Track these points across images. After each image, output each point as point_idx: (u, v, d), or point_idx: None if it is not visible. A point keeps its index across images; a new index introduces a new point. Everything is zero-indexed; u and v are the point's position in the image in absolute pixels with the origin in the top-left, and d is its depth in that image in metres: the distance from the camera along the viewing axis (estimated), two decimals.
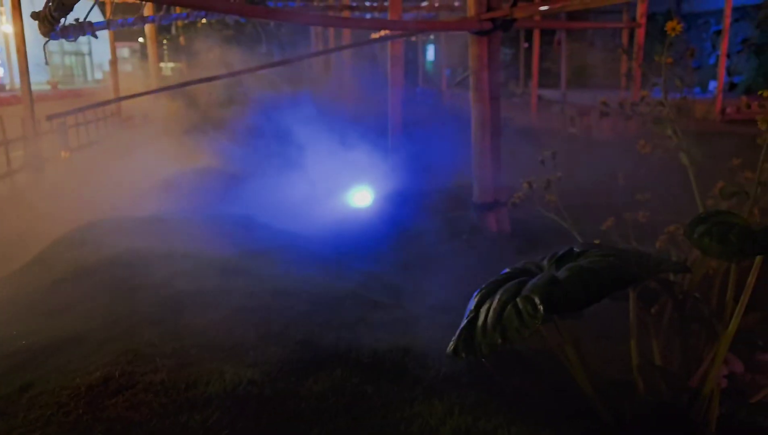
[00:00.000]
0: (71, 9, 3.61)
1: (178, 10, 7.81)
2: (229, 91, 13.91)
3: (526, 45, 20.23)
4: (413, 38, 24.99)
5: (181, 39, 17.27)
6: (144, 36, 15.30)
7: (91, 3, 4.50)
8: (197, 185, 6.08)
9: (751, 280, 2.00)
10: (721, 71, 12.12)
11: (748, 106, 2.60)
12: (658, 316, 2.35)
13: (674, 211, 2.68)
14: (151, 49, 13.07)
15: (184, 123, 10.58)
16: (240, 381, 2.06)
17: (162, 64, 18.05)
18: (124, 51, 22.85)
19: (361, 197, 5.63)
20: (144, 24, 7.70)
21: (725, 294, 2.17)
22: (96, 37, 4.94)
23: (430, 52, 27.60)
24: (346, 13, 12.24)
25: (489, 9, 4.66)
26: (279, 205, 5.19)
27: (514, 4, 4.58)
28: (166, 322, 2.58)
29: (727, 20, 11.68)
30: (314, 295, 2.91)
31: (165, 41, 18.09)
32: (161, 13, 7.50)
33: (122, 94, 10.83)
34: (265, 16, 5.61)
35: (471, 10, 4.73)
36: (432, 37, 24.06)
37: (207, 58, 16.53)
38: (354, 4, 15.90)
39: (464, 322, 1.84)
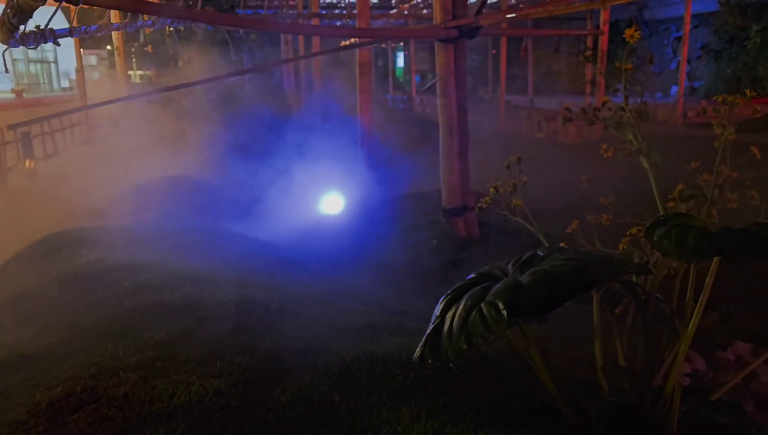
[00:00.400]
0: (30, 16, 3.53)
1: (144, 17, 7.72)
2: (199, 99, 13.78)
3: (494, 52, 20.47)
4: (383, 45, 25.12)
5: (149, 47, 17.07)
6: (112, 44, 15.09)
7: (54, 8, 4.41)
8: (165, 194, 6.00)
9: (709, 280, 2.05)
10: (682, 76, 12.44)
11: (704, 112, 2.67)
12: (622, 317, 2.40)
13: (638, 212, 2.73)
14: (118, 57, 12.89)
15: (153, 131, 10.45)
16: (206, 392, 2.03)
17: (131, 72, 17.81)
18: (91, 58, 22.47)
19: (331, 204, 5.63)
20: (109, 31, 7.58)
21: (686, 294, 2.22)
22: (58, 44, 4.83)
23: (400, 59, 27.74)
24: (315, 21, 12.23)
25: (455, 17, 4.72)
26: (248, 214, 5.15)
27: (479, 12, 4.64)
28: (131, 334, 2.54)
29: (687, 27, 12.00)
30: (282, 302, 2.90)
31: (133, 49, 17.84)
32: (126, 20, 7.39)
33: (90, 102, 10.65)
34: (234, 24, 5.57)
35: (437, 18, 4.77)
36: (401, 43, 24.20)
37: (176, 66, 16.36)
38: (323, 12, 15.92)
39: (430, 327, 1.85)
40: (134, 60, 17.99)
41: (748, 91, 2.14)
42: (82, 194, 6.29)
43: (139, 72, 19.26)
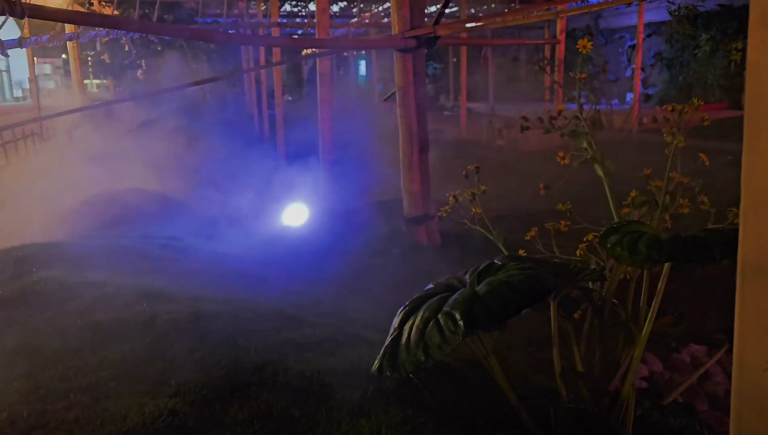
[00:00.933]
0: None
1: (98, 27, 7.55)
2: (157, 108, 13.54)
3: (454, 60, 20.69)
4: (345, 53, 25.14)
5: (106, 56, 16.73)
6: (67, 52, 14.74)
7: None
8: (121, 207, 5.86)
9: (661, 285, 2.10)
10: (637, 84, 12.77)
11: (655, 120, 2.73)
12: (580, 322, 2.43)
13: (595, 218, 2.77)
14: (74, 66, 12.58)
15: (110, 141, 10.21)
16: (161, 413, 1.97)
17: (87, 81, 17.42)
18: (46, 67, 21.95)
19: (292, 215, 5.58)
20: (61, 42, 7.40)
21: (640, 299, 2.27)
22: (7, 55, 4.70)
23: (362, 67, 27.82)
24: (275, 31, 12.16)
25: (413, 27, 4.74)
26: (207, 226, 5.06)
27: (437, 22, 4.68)
28: (83, 354, 2.46)
29: (641, 36, 12.35)
30: (240, 317, 2.85)
31: (89, 58, 17.47)
32: (80, 30, 7.22)
33: (45, 112, 10.36)
34: (189, 36, 5.50)
35: (395, 28, 4.79)
36: (363, 52, 24.26)
37: (134, 75, 16.07)
38: (284, 21, 15.85)
39: (389, 339, 1.84)
40: (91, 69, 17.61)
41: (696, 100, 2.20)
42: (33, 208, 6.10)
43: (96, 81, 18.87)
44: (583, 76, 2.51)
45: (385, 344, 1.83)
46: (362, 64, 27.58)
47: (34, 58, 12.96)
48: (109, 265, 3.72)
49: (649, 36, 17.63)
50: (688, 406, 2.04)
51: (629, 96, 16.85)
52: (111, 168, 7.90)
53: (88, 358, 2.42)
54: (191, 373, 2.24)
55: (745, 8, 1.26)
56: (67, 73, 17.49)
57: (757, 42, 1.21)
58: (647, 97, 17.82)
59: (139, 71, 15.90)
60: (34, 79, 12.37)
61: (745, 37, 1.30)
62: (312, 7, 11.23)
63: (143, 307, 2.91)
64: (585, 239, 2.66)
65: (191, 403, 2.06)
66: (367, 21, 17.08)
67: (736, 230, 1.38)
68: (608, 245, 1.95)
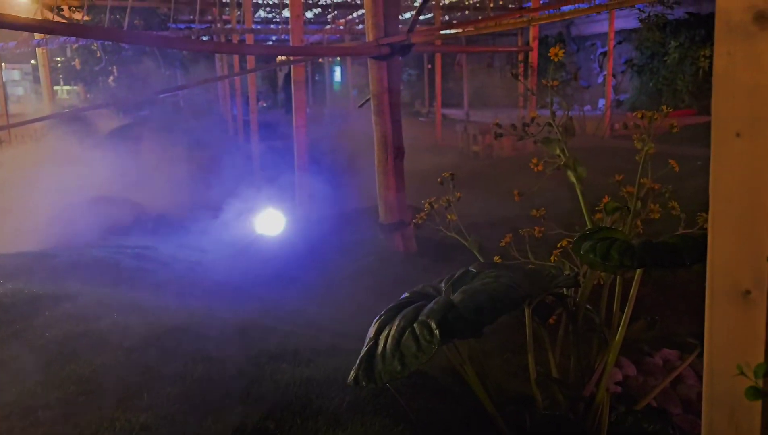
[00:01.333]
0: None
1: None
2: (129, 115, 13.36)
3: (429, 66, 20.79)
4: (320, 60, 25.11)
5: (77, 62, 16.44)
6: (36, 58, 14.46)
7: None
8: (92, 216, 5.75)
9: (634, 291, 2.12)
10: (608, 90, 12.98)
11: (626, 127, 2.77)
12: (555, 328, 2.45)
13: (569, 223, 2.80)
14: (43, 72, 12.34)
15: (80, 149, 10.03)
16: (132, 428, 1.94)
17: (57, 88, 17.10)
18: (14, 73, 21.55)
19: (267, 223, 5.54)
20: (30, 48, 7.24)
21: (613, 304, 2.29)
22: None
23: (337, 73, 27.80)
24: (249, 37, 12.08)
25: (387, 34, 4.75)
26: (180, 234, 4.99)
27: (411, 30, 4.69)
28: (52, 368, 2.40)
29: (611, 43, 12.55)
30: (214, 327, 2.81)
31: (59, 64, 17.14)
32: (48, 36, 7.09)
33: (12, 119, 10.15)
34: (160, 44, 5.43)
35: (369, 36, 4.80)
36: (338, 58, 24.25)
37: (106, 81, 15.82)
38: (258, 27, 15.77)
39: (364, 349, 1.83)
40: (61, 75, 17.29)
41: (665, 108, 2.24)
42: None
43: (67, 87, 18.55)
44: (555, 83, 2.54)
45: (361, 354, 1.82)
46: (337, 70, 27.57)
47: (2, 64, 12.70)
48: (79, 276, 3.65)
49: (619, 43, 17.94)
50: (662, 410, 2.07)
51: (601, 102, 17.11)
52: (81, 175, 7.75)
53: (57, 372, 2.36)
54: (164, 387, 2.20)
55: (712, 17, 1.29)
56: (37, 79, 17.16)
57: (723, 53, 1.24)
58: (619, 103, 18.12)
59: (111, 78, 15.65)
60: (1, 85, 12.11)
61: (712, 44, 1.33)
62: (286, 13, 11.20)
63: (114, 318, 2.85)
64: (559, 245, 2.68)
65: (164, 416, 2.02)
66: (341, 28, 17.08)
67: (706, 236, 1.40)
68: (581, 252, 1.97)
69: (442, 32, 5.25)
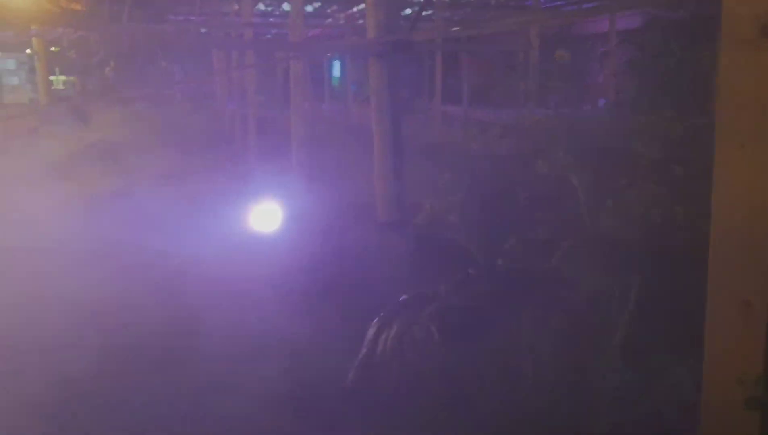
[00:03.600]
0: None
1: None
2: (127, 109, 13.30)
3: (429, 63, 20.69)
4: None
5: (72, 52, 16.33)
6: (32, 47, 14.34)
7: None
8: (82, 210, 5.70)
9: (635, 295, 2.12)
10: (608, 90, 12.94)
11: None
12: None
13: (569, 224, 2.79)
14: (39, 62, 12.27)
15: (73, 143, 9.97)
16: None
17: (53, 78, 17.00)
18: (9, 63, 21.43)
19: (263, 219, 5.50)
20: (27, 36, 7.18)
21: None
22: None
23: (337, 68, 27.66)
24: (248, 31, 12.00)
25: (388, 32, 4.73)
26: (171, 233, 4.95)
27: (413, 28, 4.67)
28: None
29: (613, 42, 12.52)
30: (205, 333, 2.79)
31: (55, 50, 17.01)
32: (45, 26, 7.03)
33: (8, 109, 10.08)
34: (158, 40, 5.39)
35: (370, 33, 4.77)
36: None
37: (102, 72, 15.71)
38: (257, 21, 15.66)
39: (363, 352, 1.83)
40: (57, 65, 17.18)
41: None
42: None
43: (62, 77, 18.43)
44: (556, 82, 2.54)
45: (360, 356, 1.81)
46: (336, 64, 27.42)
47: None
48: (71, 277, 3.61)
49: (620, 43, 17.89)
50: None
51: (601, 102, 17.08)
52: (74, 169, 7.70)
53: None
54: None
55: (714, 18, 1.29)
56: (33, 68, 17.05)
57: (728, 65, 1.24)
58: (618, 104, 18.06)
59: (108, 69, 15.54)
60: None
61: (714, 45, 1.33)
62: (286, 6, 11.13)
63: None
64: (558, 247, 2.68)
65: None
66: (342, 22, 16.99)
67: None
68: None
69: (446, 31, 5.24)
